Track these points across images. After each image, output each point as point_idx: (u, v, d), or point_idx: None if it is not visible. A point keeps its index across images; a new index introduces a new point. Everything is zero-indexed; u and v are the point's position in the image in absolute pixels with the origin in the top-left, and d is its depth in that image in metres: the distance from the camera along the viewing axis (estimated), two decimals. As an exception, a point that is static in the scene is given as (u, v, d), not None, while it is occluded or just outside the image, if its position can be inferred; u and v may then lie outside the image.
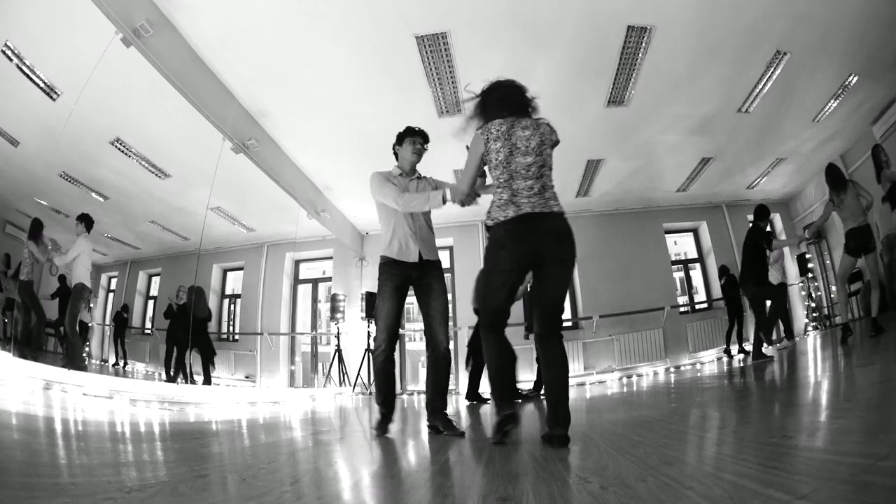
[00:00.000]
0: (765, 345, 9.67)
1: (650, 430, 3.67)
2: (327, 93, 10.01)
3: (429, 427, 4.99)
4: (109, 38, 7.25)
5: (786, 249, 14.62)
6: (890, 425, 2.47)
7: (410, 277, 5.24)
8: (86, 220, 10.43)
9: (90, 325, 14.04)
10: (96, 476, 2.40)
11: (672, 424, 3.88)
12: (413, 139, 5.51)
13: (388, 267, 5.21)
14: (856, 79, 10.82)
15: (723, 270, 15.03)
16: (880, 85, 10.88)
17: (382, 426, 4.94)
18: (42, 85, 9.09)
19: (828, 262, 15.62)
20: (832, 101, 11.58)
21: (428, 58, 9.13)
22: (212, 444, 4.19)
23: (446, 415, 4.88)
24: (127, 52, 7.42)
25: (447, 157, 10.98)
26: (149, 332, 15.94)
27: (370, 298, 14.99)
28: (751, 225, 9.87)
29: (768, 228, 10.06)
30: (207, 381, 13.34)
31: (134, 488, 2.15)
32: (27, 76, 8.89)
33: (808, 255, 15.77)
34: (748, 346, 13.54)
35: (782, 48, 9.60)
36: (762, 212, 9.96)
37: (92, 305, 12.77)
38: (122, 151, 11.25)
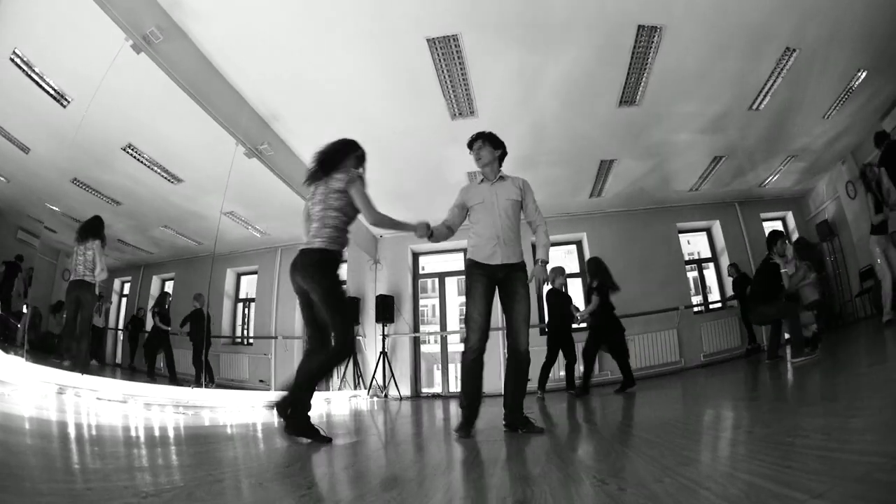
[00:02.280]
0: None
1: (666, 431, 3.68)
2: (339, 97, 10.03)
3: (505, 426, 5.08)
4: (119, 44, 7.26)
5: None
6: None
7: (497, 278, 5.36)
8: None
9: (102, 327, 14.12)
10: (111, 481, 2.40)
11: (688, 425, 3.89)
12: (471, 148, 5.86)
13: (475, 268, 5.39)
14: (864, 74, 10.80)
15: (733, 268, 15.11)
16: (889, 79, 10.86)
17: (466, 429, 4.96)
18: (52, 92, 9.12)
19: (839, 257, 15.55)
20: (842, 96, 11.55)
21: (440, 60, 9.13)
22: (227, 448, 4.20)
23: (524, 414, 5.02)
24: (137, 58, 7.44)
25: (463, 159, 11.03)
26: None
27: (384, 301, 15.08)
28: (765, 260, 9.91)
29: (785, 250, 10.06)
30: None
31: (150, 493, 2.15)
32: (37, 83, 8.93)
33: (820, 252, 15.76)
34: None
35: (791, 45, 9.59)
36: (774, 238, 9.98)
37: (107, 306, 12.81)
38: (135, 157, 11.29)
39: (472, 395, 5.22)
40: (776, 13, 8.71)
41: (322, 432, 4.52)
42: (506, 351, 5.37)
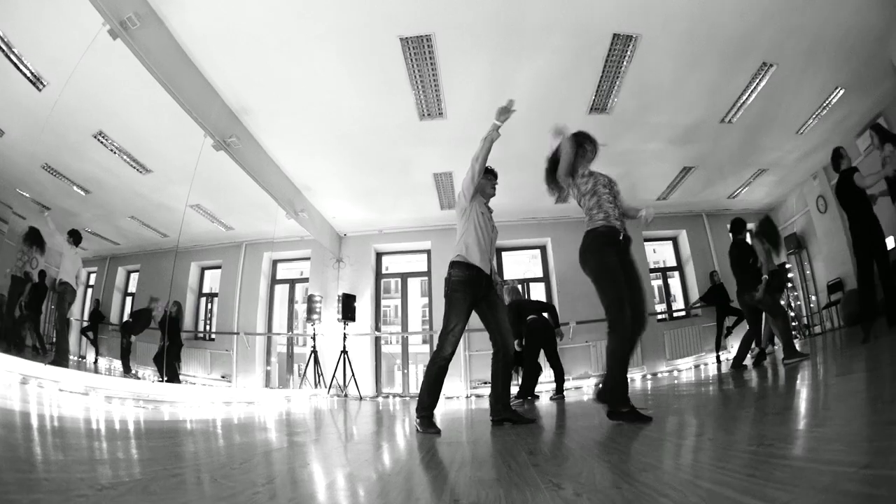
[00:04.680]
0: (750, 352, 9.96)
1: (626, 437, 3.65)
2: (310, 92, 10.02)
3: (496, 420, 5.53)
4: (97, 29, 7.23)
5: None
6: (871, 434, 2.46)
7: (481, 289, 5.70)
8: (74, 236, 11.22)
9: (69, 318, 14.11)
10: (70, 472, 2.37)
11: (648, 431, 3.85)
12: (489, 177, 6.28)
13: (465, 284, 5.63)
14: (842, 92, 10.90)
15: (716, 275, 15.34)
16: (866, 98, 10.95)
17: (434, 425, 5.21)
18: (29, 75, 9.07)
19: (808, 272, 15.85)
20: (817, 113, 11.67)
21: (412, 60, 9.15)
22: (186, 443, 4.16)
23: (513, 407, 5.65)
24: (113, 44, 7.40)
25: (426, 160, 10.99)
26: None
27: (346, 300, 15.13)
28: (733, 241, 10.16)
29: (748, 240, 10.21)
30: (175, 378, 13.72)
31: (106, 486, 2.12)
32: (14, 65, 8.87)
33: (788, 265, 15.97)
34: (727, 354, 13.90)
35: (769, 60, 9.67)
36: (739, 226, 10.15)
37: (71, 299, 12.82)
38: (105, 145, 11.26)
39: (436, 398, 5.48)
40: (755, 28, 8.79)
41: (642, 411, 4.52)
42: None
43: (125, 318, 14.97)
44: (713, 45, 9.23)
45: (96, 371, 13.66)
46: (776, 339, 10.66)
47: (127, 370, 13.37)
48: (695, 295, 16.32)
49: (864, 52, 9.66)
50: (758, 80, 10.27)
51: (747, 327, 10.28)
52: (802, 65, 9.92)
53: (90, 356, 15.84)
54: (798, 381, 5.97)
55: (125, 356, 13.71)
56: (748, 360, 10.03)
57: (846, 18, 8.79)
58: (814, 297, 15.70)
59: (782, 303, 10.84)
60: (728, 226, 10.49)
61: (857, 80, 10.52)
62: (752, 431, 3.20)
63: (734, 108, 11.21)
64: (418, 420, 5.23)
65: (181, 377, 14.32)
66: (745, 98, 10.85)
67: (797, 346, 8.73)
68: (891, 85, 10.42)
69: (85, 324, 16.09)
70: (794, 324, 15.39)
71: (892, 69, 9.90)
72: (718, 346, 14.71)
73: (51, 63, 8.94)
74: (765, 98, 10.81)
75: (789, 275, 16.17)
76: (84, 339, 15.93)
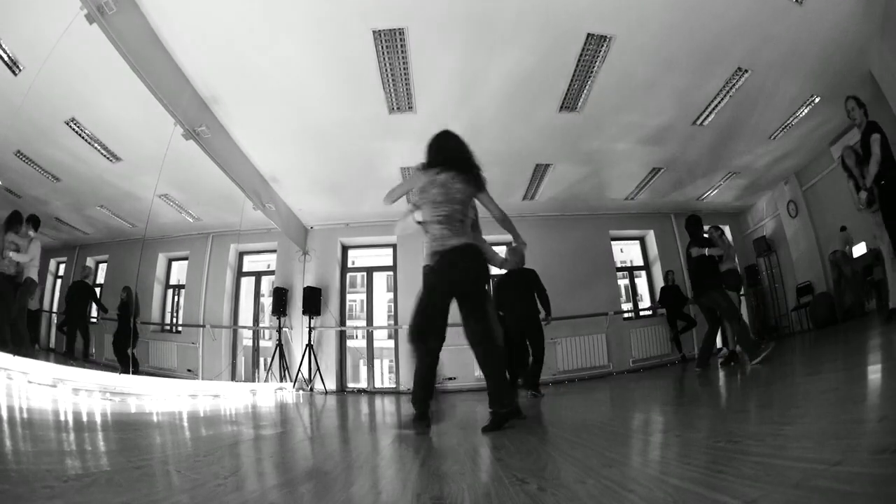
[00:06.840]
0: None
1: (591, 433, 3.65)
2: (280, 83, 9.95)
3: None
4: (74, 13, 7.17)
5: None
6: (841, 432, 2.45)
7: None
8: (34, 221, 10.85)
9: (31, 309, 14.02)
10: (37, 464, 2.40)
11: (614, 428, 3.86)
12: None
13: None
14: (818, 100, 11.02)
15: (671, 274, 15.64)
16: (842, 107, 11.01)
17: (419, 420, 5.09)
18: (6, 58, 8.97)
19: (776, 272, 16.05)
20: (791, 119, 11.78)
21: (383, 53, 9.10)
22: (151, 435, 4.16)
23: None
24: (89, 29, 7.32)
25: (395, 154, 10.94)
26: (94, 320, 15.42)
27: (312, 293, 15.24)
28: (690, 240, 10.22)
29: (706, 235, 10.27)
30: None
31: (71, 478, 2.15)
32: (-7, 49, 8.80)
33: (756, 267, 16.18)
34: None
35: (744, 65, 9.73)
36: (694, 222, 10.32)
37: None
38: (77, 132, 11.12)
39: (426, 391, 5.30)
40: (731, 34, 8.87)
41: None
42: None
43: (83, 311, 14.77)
44: (687, 49, 9.27)
45: (65, 363, 13.52)
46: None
47: (86, 356, 13.29)
48: (659, 292, 16.35)
49: (841, 62, 9.77)
50: (731, 85, 10.33)
51: (705, 330, 10.27)
52: (778, 72, 10.00)
53: (61, 348, 15.67)
54: (765, 381, 5.99)
55: (85, 346, 13.61)
56: (714, 360, 10.06)
57: (824, 30, 8.90)
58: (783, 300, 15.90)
59: (742, 303, 10.91)
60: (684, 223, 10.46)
61: (834, 89, 10.57)
62: (720, 428, 3.21)
63: (706, 111, 11.27)
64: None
65: (141, 368, 14.20)
66: (717, 102, 10.91)
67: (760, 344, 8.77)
68: (868, 95, 10.36)
69: (61, 317, 15.95)
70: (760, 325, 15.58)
71: (871, 79, 10.03)
72: (679, 346, 14.99)
73: (28, 47, 8.82)
74: (738, 103, 10.90)
75: (757, 276, 16.51)
76: (59, 333, 15.80)
